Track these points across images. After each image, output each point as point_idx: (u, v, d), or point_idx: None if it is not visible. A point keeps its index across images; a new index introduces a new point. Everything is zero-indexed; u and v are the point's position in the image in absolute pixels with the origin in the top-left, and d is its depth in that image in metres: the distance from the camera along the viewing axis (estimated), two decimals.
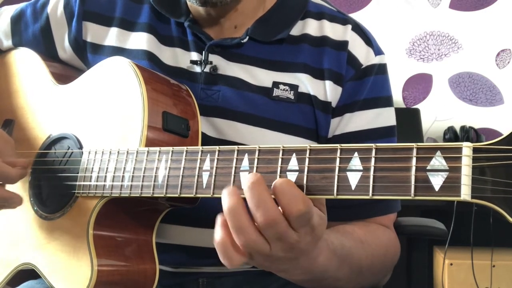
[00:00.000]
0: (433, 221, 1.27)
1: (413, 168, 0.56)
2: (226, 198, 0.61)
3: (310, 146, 0.62)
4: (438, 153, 0.55)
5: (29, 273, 0.92)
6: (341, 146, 0.61)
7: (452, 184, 0.54)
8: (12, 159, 0.88)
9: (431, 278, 2.35)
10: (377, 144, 0.59)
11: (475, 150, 0.54)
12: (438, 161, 0.55)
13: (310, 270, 0.69)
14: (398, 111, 1.02)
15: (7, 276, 0.94)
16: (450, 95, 2.64)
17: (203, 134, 0.89)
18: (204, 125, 0.91)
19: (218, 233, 0.63)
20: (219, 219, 0.63)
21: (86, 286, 0.80)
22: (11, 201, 0.89)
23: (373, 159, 0.58)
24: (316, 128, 0.94)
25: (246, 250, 0.62)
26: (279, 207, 0.60)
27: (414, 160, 0.56)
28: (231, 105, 0.92)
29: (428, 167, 0.55)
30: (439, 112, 2.64)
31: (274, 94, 0.93)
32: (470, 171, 0.53)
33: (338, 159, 0.60)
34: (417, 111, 2.49)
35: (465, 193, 0.53)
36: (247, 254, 0.63)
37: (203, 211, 0.81)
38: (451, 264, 2.17)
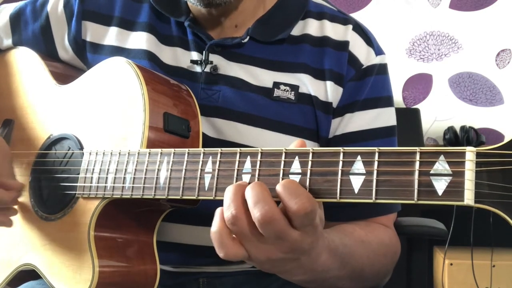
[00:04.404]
0: (433, 221, 1.27)
1: (416, 172, 0.56)
2: (229, 189, 0.62)
3: (313, 149, 0.62)
4: (442, 157, 0.55)
5: (29, 273, 0.92)
6: (344, 150, 0.60)
7: (455, 188, 0.54)
8: (7, 180, 0.89)
9: (431, 278, 2.35)
10: (380, 148, 0.59)
11: (478, 154, 0.54)
12: (441, 165, 0.55)
13: (311, 270, 0.69)
14: (398, 111, 1.01)
15: (7, 276, 0.94)
16: (450, 95, 2.64)
17: (203, 134, 0.89)
18: (204, 125, 0.91)
19: (215, 223, 0.63)
20: (218, 211, 0.64)
21: (88, 287, 0.79)
22: (3, 225, 0.93)
23: (376, 163, 0.58)
24: (316, 129, 0.93)
25: (241, 240, 0.62)
26: (284, 206, 0.60)
27: (417, 164, 0.56)
28: (231, 105, 0.92)
29: (432, 171, 0.55)
30: (439, 112, 2.64)
31: (274, 95, 0.92)
32: (474, 175, 0.53)
33: (341, 163, 0.60)
34: (417, 111, 2.49)
35: (469, 198, 0.53)
36: (243, 247, 0.63)
37: (204, 210, 0.81)
38: (451, 264, 2.17)
